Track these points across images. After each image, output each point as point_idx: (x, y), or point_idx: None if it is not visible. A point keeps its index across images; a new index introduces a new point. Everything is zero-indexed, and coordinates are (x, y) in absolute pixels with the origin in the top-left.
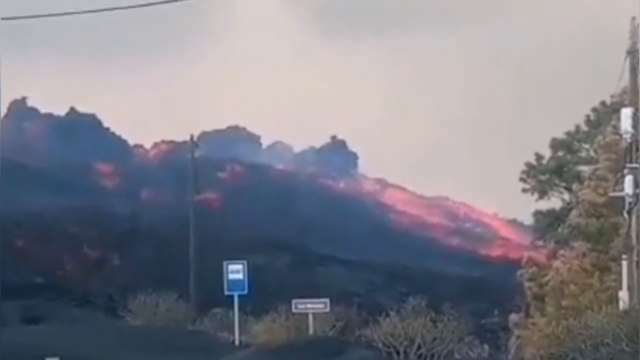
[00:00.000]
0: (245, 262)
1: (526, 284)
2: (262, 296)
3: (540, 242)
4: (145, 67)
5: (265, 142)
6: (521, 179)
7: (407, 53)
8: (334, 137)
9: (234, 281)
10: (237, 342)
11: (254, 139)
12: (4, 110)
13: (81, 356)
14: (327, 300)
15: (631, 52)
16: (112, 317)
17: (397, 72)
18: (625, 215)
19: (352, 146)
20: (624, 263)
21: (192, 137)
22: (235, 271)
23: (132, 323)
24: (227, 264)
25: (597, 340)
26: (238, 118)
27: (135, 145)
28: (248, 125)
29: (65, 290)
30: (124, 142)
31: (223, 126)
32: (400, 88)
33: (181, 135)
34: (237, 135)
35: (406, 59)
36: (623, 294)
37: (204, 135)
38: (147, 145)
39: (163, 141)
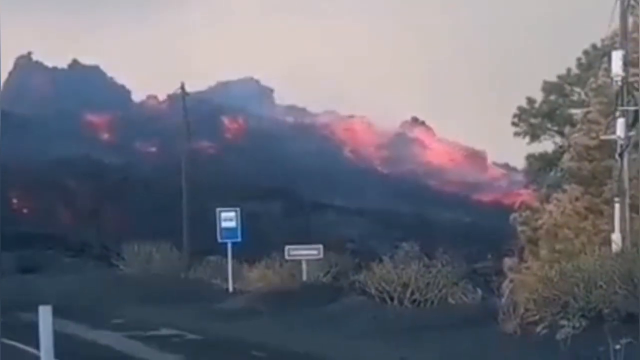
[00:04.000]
0: (238, 209)
1: (519, 228)
2: (255, 243)
3: (533, 186)
4: (152, 18)
5: (270, 93)
6: (513, 123)
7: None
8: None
9: (228, 229)
10: (230, 289)
11: (263, 92)
12: (10, 66)
13: (75, 305)
14: (321, 246)
15: None
16: (106, 267)
17: (395, 22)
18: (617, 158)
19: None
20: (617, 206)
21: (182, 85)
22: (229, 219)
23: (126, 272)
24: (220, 212)
25: (590, 283)
26: (241, 70)
27: (149, 97)
28: (259, 77)
29: (60, 240)
30: (128, 92)
31: (234, 78)
32: (395, 35)
33: (191, 86)
34: (247, 88)
35: (400, 5)
36: (616, 237)
37: (219, 85)
38: (161, 97)
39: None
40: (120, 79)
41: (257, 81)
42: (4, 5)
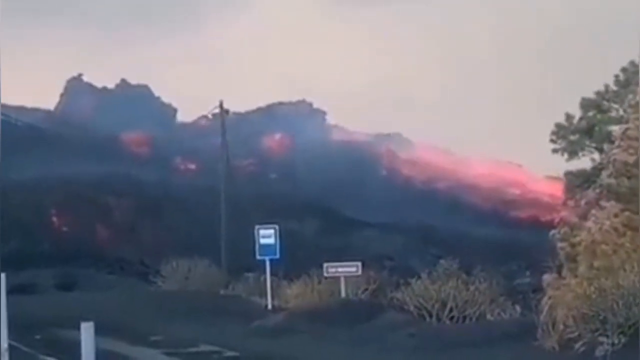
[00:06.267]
0: (276, 226)
1: (558, 245)
2: (293, 260)
3: (571, 203)
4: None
5: (321, 115)
6: (551, 140)
7: (436, 12)
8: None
9: (266, 245)
10: (269, 306)
11: (314, 113)
12: (60, 90)
13: (115, 321)
14: (359, 263)
15: None
16: (145, 284)
17: (431, 35)
18: None
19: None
20: None
21: (221, 103)
22: (267, 235)
23: (164, 288)
24: (259, 229)
25: (629, 299)
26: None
27: (200, 117)
28: (311, 99)
29: (99, 257)
30: (174, 111)
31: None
32: (432, 50)
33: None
34: (296, 109)
35: (436, 19)
36: None
37: (268, 106)
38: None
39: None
40: (168, 99)
41: (309, 103)
42: (53, 29)
